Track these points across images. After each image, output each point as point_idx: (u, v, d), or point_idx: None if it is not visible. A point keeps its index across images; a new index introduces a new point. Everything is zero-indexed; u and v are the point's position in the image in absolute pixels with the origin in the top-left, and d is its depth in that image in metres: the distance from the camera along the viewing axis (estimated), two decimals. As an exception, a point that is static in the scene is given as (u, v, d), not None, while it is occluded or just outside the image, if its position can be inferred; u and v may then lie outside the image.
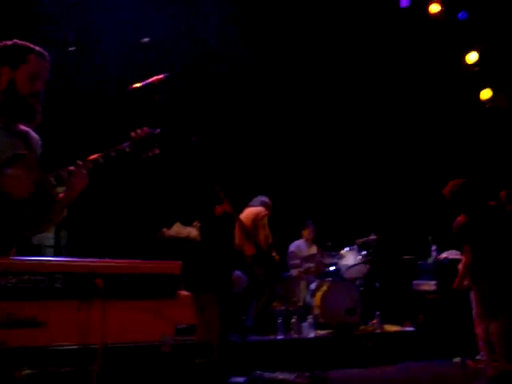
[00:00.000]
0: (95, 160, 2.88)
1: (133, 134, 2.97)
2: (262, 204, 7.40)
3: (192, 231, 6.68)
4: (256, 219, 7.07)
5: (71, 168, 2.84)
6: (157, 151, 3.02)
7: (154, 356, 2.45)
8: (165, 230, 6.75)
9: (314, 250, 8.43)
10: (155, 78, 3.25)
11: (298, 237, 8.68)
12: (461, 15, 9.17)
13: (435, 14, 9.22)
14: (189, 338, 2.53)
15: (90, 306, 2.32)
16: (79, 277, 2.33)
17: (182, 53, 8.31)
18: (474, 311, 5.61)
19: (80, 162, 2.86)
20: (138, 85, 3.28)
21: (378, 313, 7.84)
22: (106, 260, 2.44)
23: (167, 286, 2.52)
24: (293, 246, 8.63)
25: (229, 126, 8.86)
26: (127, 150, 2.94)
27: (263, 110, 9.19)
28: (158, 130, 3.06)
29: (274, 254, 7.20)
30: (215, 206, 6.32)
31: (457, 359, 6.96)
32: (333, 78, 9.52)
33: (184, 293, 2.57)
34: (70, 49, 7.73)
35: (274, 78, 9.18)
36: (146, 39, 8.46)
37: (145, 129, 3.01)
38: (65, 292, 2.31)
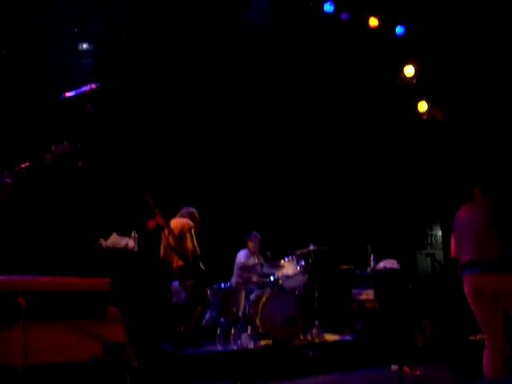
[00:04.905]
0: (16, 171, 2.81)
1: (53, 147, 2.95)
2: (189, 216, 7.33)
3: (129, 242, 6.56)
4: (183, 231, 7.00)
5: None
6: (79, 164, 3.00)
7: (80, 375, 2.37)
8: (102, 240, 6.60)
9: (257, 260, 8.43)
10: (87, 87, 3.18)
11: (244, 246, 8.68)
12: (398, 29, 9.38)
13: (374, 27, 9.39)
14: (117, 356, 2.46)
15: (13, 327, 2.23)
16: (1, 295, 2.23)
17: (118, 62, 8.19)
18: None
19: (7, 172, 2.79)
20: (69, 94, 3.20)
21: (317, 322, 7.88)
22: (30, 277, 2.35)
23: (95, 304, 2.44)
24: (239, 256, 8.63)
25: (166, 136, 8.77)
26: (48, 161, 2.90)
27: (198, 120, 9.14)
28: (79, 144, 3.04)
29: (200, 263, 7.13)
30: (147, 220, 6.20)
31: (395, 366, 7.05)
32: (267, 90, 9.56)
33: (112, 310, 2.50)
34: (3, 52, 7.50)
35: (204, 91, 9.16)
36: (84, 45, 8.30)
37: (66, 143, 2.99)
38: (-16, 312, 2.20)
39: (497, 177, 5.09)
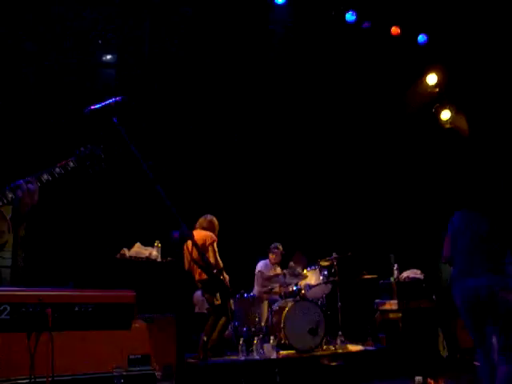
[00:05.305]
0: (39, 176, 2.82)
1: (77, 150, 2.97)
2: (210, 227, 7.30)
3: (152, 251, 6.60)
4: (205, 244, 6.97)
5: (20, 184, 2.76)
6: (103, 166, 3.02)
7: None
8: (125, 250, 6.65)
9: (278, 270, 8.41)
10: (112, 100, 3.21)
11: (266, 256, 8.67)
12: (420, 38, 9.34)
13: (396, 35, 9.36)
14: (142, 369, 2.48)
15: (40, 338, 2.25)
16: (27, 307, 2.26)
17: (142, 73, 8.27)
18: None
19: (30, 178, 2.81)
20: (94, 106, 3.23)
21: (340, 332, 7.83)
22: (56, 289, 2.37)
23: (121, 316, 2.46)
24: (259, 266, 8.61)
25: (187, 145, 8.80)
26: (72, 164, 2.92)
27: (220, 129, 9.17)
28: (102, 146, 3.06)
29: (223, 276, 7.09)
30: (171, 232, 6.21)
31: (418, 378, 6.97)
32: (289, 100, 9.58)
33: (138, 322, 2.52)
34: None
35: (230, 100, 9.20)
36: (108, 56, 8.38)
37: (88, 146, 3.01)
38: (12, 324, 2.23)
39: (494, 186, 5.01)
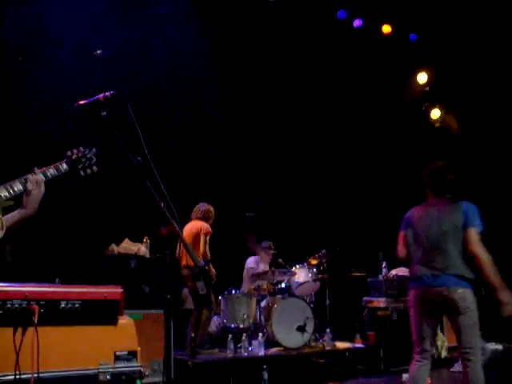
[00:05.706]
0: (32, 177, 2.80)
1: (69, 152, 2.95)
2: (206, 216, 7.35)
3: (141, 247, 6.59)
4: (199, 233, 7.05)
5: (28, 176, 2.75)
6: (95, 169, 3.00)
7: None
8: (113, 246, 6.64)
9: (266, 267, 8.42)
10: (101, 95, 3.19)
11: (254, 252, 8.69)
12: (411, 37, 9.38)
13: (387, 34, 9.39)
14: (129, 365, 2.47)
15: (26, 334, 2.24)
16: (13, 303, 2.24)
17: (133, 67, 8.23)
18: None
19: (36, 169, 2.79)
20: (83, 102, 3.21)
21: (328, 330, 7.85)
22: (43, 285, 2.36)
23: (107, 312, 2.45)
24: (248, 262, 8.62)
25: (175, 140, 8.78)
26: (65, 166, 2.91)
27: (214, 126, 9.17)
28: (94, 149, 3.05)
29: (208, 267, 7.13)
30: (159, 227, 6.21)
31: (406, 375, 6.99)
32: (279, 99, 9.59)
33: (124, 318, 2.51)
34: (20, 58, 7.55)
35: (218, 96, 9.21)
36: (98, 51, 8.33)
37: (80, 148, 2.99)
38: (-2, 319, 2.22)
39: (449, 180, 4.86)
